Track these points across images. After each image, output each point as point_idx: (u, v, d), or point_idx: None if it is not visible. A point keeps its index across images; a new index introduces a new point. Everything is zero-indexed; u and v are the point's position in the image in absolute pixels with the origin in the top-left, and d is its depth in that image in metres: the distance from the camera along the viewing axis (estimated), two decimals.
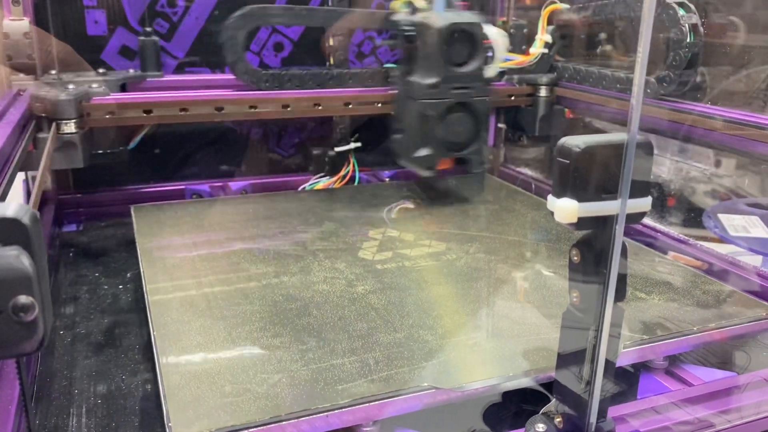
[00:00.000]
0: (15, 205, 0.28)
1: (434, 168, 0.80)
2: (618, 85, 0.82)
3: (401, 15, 0.83)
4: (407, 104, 0.81)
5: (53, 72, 0.82)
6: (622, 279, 0.37)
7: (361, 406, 0.42)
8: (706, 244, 0.71)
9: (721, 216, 0.82)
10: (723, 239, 0.77)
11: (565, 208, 0.35)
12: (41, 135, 0.70)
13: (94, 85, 0.78)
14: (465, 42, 0.77)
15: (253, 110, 0.81)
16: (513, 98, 0.94)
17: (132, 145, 0.86)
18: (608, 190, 0.36)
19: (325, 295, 0.57)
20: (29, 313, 0.26)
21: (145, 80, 0.87)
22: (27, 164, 0.67)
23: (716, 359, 0.56)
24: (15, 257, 0.26)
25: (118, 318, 0.61)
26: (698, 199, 0.90)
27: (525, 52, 0.93)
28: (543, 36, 0.90)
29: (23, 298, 0.26)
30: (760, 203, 0.86)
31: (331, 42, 0.92)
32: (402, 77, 0.83)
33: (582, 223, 0.36)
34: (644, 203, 0.37)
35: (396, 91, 0.86)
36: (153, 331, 0.51)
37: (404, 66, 0.83)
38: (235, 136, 0.96)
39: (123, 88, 0.85)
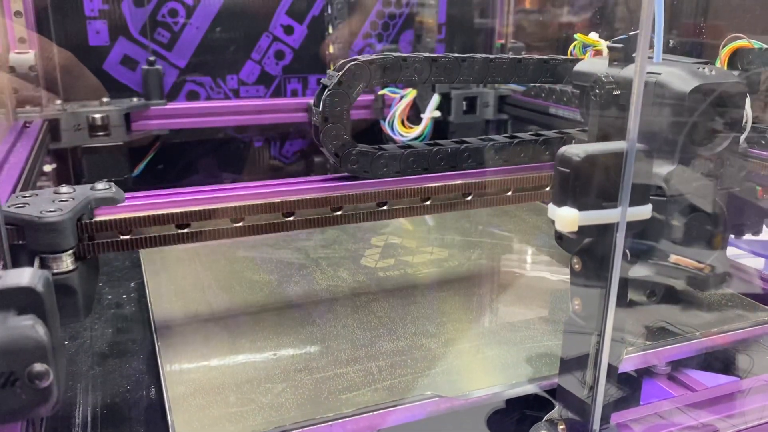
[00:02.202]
0: (29, 272, 0.28)
1: (659, 299, 0.54)
2: None
3: (594, 63, 0.55)
4: None
5: (58, 102, 0.82)
6: (623, 285, 0.37)
7: (364, 415, 0.42)
8: None
9: None
10: None
11: (566, 217, 0.35)
12: None
13: (100, 187, 0.47)
14: (717, 111, 0.49)
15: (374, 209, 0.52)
16: None
17: (136, 172, 0.86)
18: (609, 198, 0.36)
19: (328, 304, 0.58)
20: (44, 380, 0.27)
21: (149, 108, 0.87)
22: None
23: (719, 364, 0.56)
24: (30, 327, 0.27)
25: (122, 327, 0.61)
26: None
27: None
28: None
29: (38, 366, 0.27)
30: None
31: (331, 50, 0.93)
32: None
33: (583, 231, 0.36)
34: (645, 211, 0.37)
35: None
36: (157, 341, 0.51)
37: (596, 133, 0.54)
38: (237, 143, 0.97)
39: (127, 118, 0.85)
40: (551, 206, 0.37)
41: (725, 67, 0.59)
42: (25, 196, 0.45)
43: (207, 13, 0.91)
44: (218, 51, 0.93)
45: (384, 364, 0.48)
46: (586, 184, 0.36)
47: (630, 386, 0.52)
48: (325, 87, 0.52)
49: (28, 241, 0.42)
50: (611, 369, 0.39)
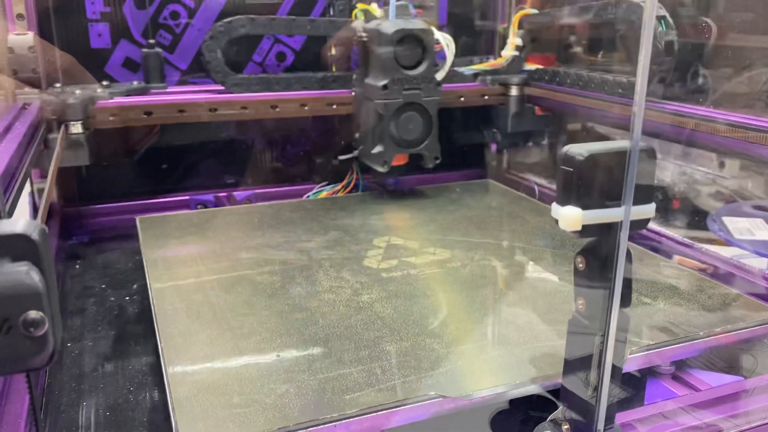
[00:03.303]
0: (24, 221, 0.28)
1: (390, 164, 0.86)
2: (592, 85, 0.84)
3: (358, 22, 0.89)
4: (364, 105, 0.87)
5: (58, 85, 0.83)
6: (627, 285, 0.37)
7: (368, 415, 0.42)
8: (711, 248, 0.71)
9: (725, 219, 0.82)
10: (728, 242, 0.77)
11: (570, 216, 0.35)
12: (52, 136, 0.76)
13: (99, 91, 0.84)
14: (415, 47, 0.84)
15: (244, 111, 0.87)
16: (486, 97, 0.98)
17: (137, 155, 0.87)
18: (612, 197, 0.36)
19: (331, 305, 0.57)
20: (39, 328, 0.27)
21: (149, 92, 0.87)
22: (39, 162, 0.72)
23: (723, 363, 0.56)
24: (25, 273, 0.26)
25: (126, 329, 0.61)
26: (703, 202, 0.91)
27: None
28: (514, 40, 0.96)
29: (33, 314, 0.27)
30: (764, 206, 0.86)
31: (333, 51, 0.93)
32: (359, 80, 0.88)
33: (586, 230, 0.36)
34: (648, 210, 0.37)
35: (355, 93, 0.91)
36: (160, 343, 0.51)
37: (361, 69, 0.87)
38: (239, 145, 0.97)
39: None
40: (554, 205, 0.37)
41: (515, 28, 0.95)
42: (53, 94, 0.80)
43: (208, 15, 0.91)
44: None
45: (387, 364, 0.48)
46: (589, 183, 0.36)
47: (634, 386, 0.52)
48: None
49: (58, 115, 0.77)
50: (615, 369, 0.39)
